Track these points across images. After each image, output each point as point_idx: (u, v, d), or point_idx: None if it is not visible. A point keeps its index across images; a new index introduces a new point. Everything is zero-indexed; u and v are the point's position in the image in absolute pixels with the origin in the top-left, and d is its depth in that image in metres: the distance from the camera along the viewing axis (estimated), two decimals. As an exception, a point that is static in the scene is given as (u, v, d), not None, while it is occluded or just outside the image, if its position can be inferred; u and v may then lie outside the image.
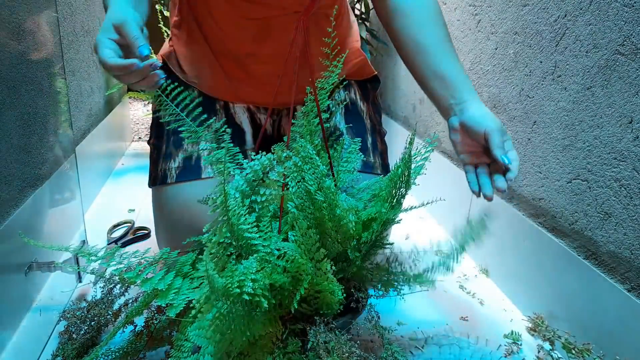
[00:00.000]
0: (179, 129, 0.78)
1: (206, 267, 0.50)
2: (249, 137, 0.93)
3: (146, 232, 1.14)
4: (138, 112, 2.14)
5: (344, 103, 0.96)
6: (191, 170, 0.85)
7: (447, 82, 0.73)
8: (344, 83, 0.96)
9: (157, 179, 0.89)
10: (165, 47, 1.00)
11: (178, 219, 0.84)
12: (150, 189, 0.95)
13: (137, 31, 0.62)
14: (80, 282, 0.91)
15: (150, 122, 1.02)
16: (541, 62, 0.86)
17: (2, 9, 0.73)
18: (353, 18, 1.00)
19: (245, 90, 0.91)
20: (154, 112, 0.98)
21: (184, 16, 0.91)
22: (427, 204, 0.76)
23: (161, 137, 0.92)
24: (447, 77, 0.73)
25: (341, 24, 0.93)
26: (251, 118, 0.95)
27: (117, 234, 1.12)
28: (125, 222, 1.17)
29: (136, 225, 1.16)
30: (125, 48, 0.63)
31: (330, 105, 0.94)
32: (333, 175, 0.76)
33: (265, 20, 0.82)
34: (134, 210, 1.24)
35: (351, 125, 0.92)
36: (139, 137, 1.88)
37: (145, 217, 1.19)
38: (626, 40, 0.67)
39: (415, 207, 0.74)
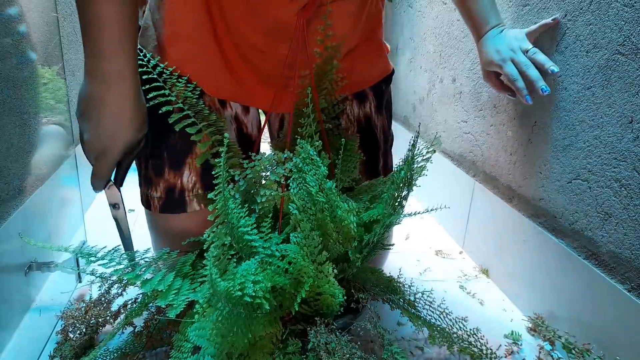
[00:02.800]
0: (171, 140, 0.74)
1: (210, 272, 0.50)
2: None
3: None
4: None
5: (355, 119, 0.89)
6: (176, 204, 0.77)
7: (471, 17, 0.91)
8: (360, 92, 0.87)
9: (142, 200, 0.83)
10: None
11: (170, 242, 0.78)
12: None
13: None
14: (80, 282, 0.91)
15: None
16: (541, 62, 0.86)
17: (2, 9, 0.73)
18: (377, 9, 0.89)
19: (248, 91, 0.82)
20: None
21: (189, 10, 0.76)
22: (432, 210, 0.76)
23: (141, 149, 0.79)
24: (471, 13, 0.90)
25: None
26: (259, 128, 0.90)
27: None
28: None
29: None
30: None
31: (341, 124, 0.86)
32: (334, 176, 0.75)
33: (278, 19, 0.73)
34: (134, 210, 1.24)
35: (364, 147, 0.86)
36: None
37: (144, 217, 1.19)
38: (626, 40, 0.67)
39: (419, 213, 0.74)
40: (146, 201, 0.80)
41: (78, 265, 0.83)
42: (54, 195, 0.90)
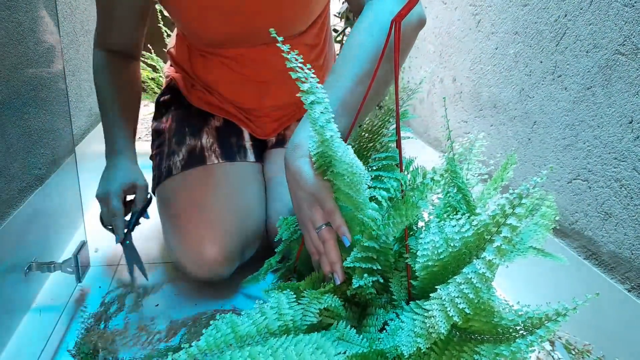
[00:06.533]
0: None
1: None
2: (246, 134, 0.98)
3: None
4: (138, 112, 2.14)
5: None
6: (197, 160, 0.89)
7: None
8: None
9: (161, 177, 0.90)
10: (171, 69, 1.04)
11: (183, 207, 0.84)
12: (154, 198, 0.96)
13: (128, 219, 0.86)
14: (80, 282, 0.91)
15: (145, 127, 1.03)
16: (541, 62, 0.86)
17: (1, 9, 0.73)
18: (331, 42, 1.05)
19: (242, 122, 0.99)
20: (154, 126, 1.01)
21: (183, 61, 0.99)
22: None
23: (162, 143, 0.95)
24: None
25: (323, 50, 0.97)
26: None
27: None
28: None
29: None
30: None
31: None
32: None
33: (264, 82, 0.91)
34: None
35: None
36: (139, 137, 1.87)
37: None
38: (626, 40, 0.67)
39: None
40: (167, 171, 0.90)
41: (78, 266, 0.83)
42: (54, 195, 0.90)
